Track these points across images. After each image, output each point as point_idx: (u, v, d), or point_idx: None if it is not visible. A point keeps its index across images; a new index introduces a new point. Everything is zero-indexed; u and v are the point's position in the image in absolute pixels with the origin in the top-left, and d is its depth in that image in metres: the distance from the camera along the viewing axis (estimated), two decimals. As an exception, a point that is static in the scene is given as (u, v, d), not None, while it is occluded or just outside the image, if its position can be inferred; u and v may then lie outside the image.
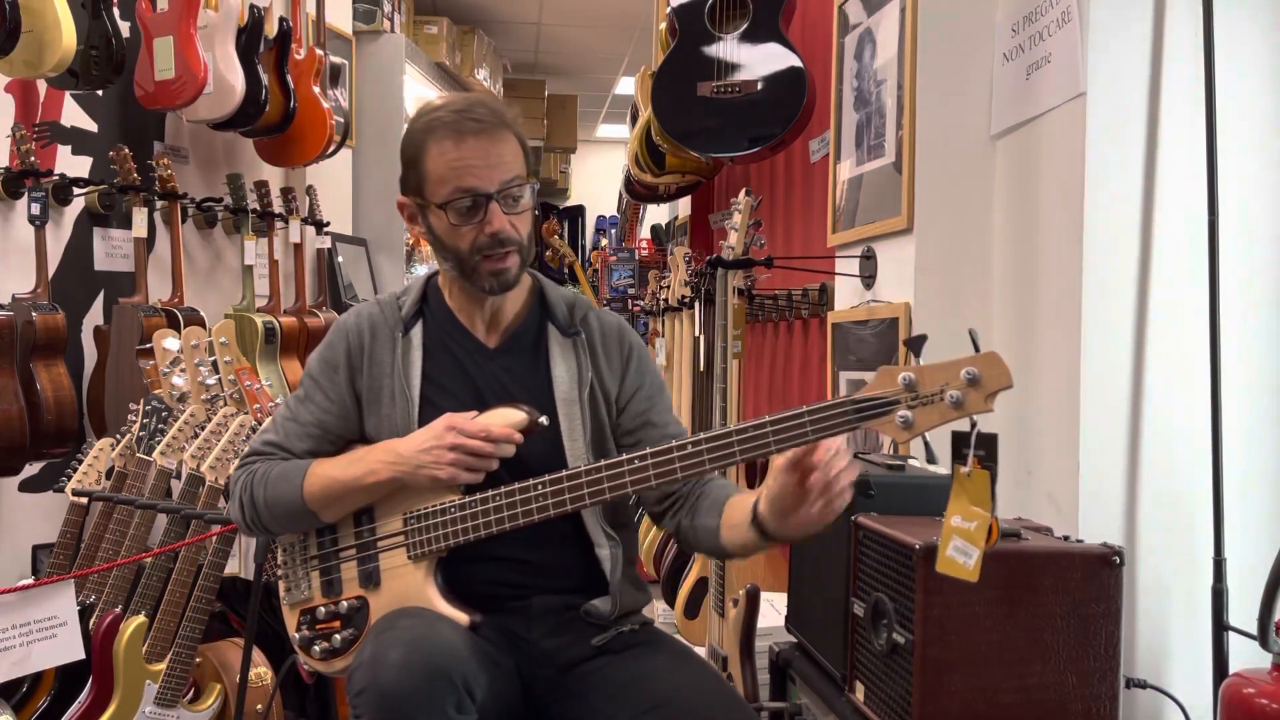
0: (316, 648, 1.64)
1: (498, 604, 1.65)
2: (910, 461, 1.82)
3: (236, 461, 2.32)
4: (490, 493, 1.56)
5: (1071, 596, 1.42)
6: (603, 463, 1.51)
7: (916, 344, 1.33)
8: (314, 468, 1.63)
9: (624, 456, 1.50)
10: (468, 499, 1.57)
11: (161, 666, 2.40)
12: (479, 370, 1.68)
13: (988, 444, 1.28)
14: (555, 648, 1.63)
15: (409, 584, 1.60)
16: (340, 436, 1.70)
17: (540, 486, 1.53)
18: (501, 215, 1.58)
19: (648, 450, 1.48)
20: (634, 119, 4.45)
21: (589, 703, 1.58)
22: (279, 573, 1.71)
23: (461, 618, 1.54)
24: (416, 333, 1.70)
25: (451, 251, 1.62)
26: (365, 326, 1.70)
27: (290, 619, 1.69)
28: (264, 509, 1.65)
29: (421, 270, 5.36)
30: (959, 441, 1.29)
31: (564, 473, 1.52)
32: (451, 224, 1.59)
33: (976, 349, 1.30)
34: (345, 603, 1.63)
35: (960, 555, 1.29)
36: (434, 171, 1.59)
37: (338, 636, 1.63)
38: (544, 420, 1.58)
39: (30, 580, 2.36)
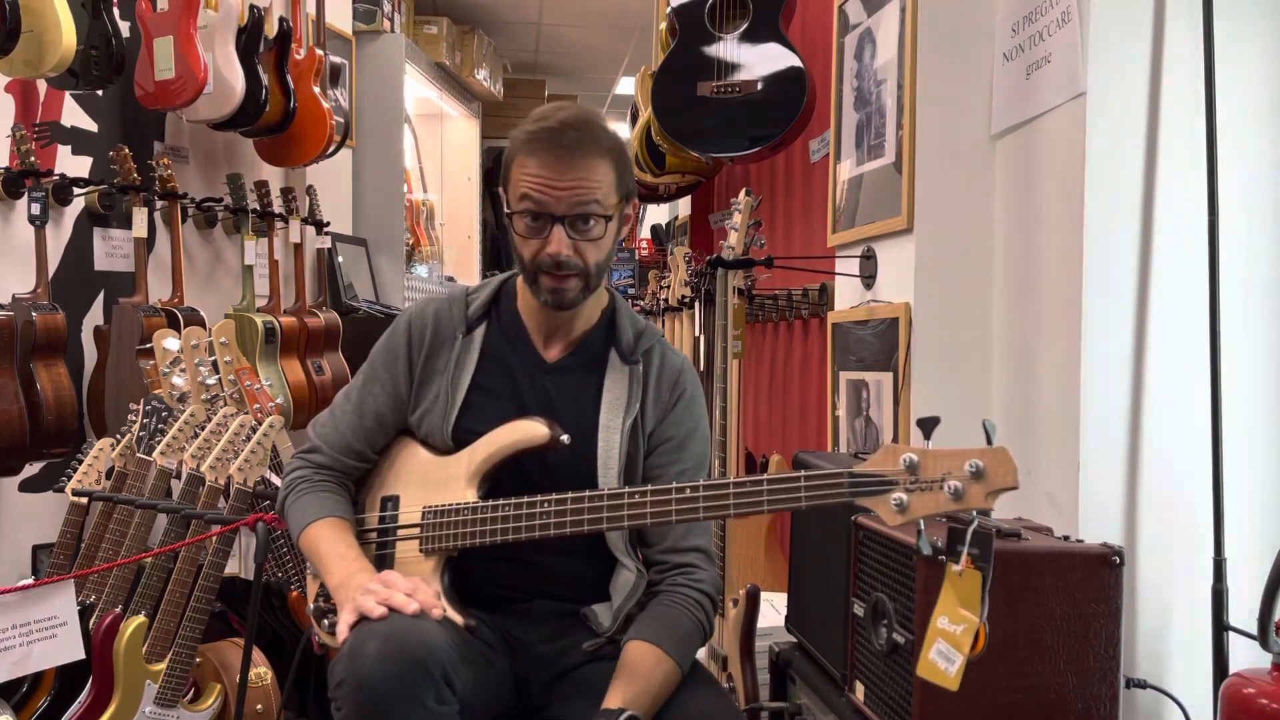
0: (326, 621, 1.66)
1: (500, 605, 1.65)
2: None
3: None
4: (503, 501, 1.56)
5: (1071, 596, 1.42)
6: (605, 492, 1.51)
7: (928, 425, 1.27)
8: (318, 526, 1.64)
9: (626, 490, 1.50)
10: (484, 503, 1.59)
11: (161, 666, 2.39)
12: (530, 382, 1.69)
13: (983, 544, 1.22)
14: (553, 653, 1.64)
15: (417, 576, 1.60)
16: (395, 426, 1.73)
17: (545, 504, 1.53)
18: (564, 239, 1.57)
19: (649, 488, 1.48)
20: (634, 119, 4.45)
21: (582, 708, 1.58)
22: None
23: (457, 618, 1.54)
24: (478, 334, 1.71)
25: (519, 256, 1.63)
26: (430, 320, 1.72)
27: (311, 589, 1.72)
28: (285, 516, 1.73)
29: (421, 270, 5.37)
30: (954, 538, 1.24)
31: (569, 495, 1.52)
32: (518, 234, 1.61)
33: (989, 441, 1.25)
34: None
35: (942, 660, 1.23)
36: (514, 179, 1.60)
37: None
38: (565, 439, 1.59)
39: (30, 580, 2.35)
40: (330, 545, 1.61)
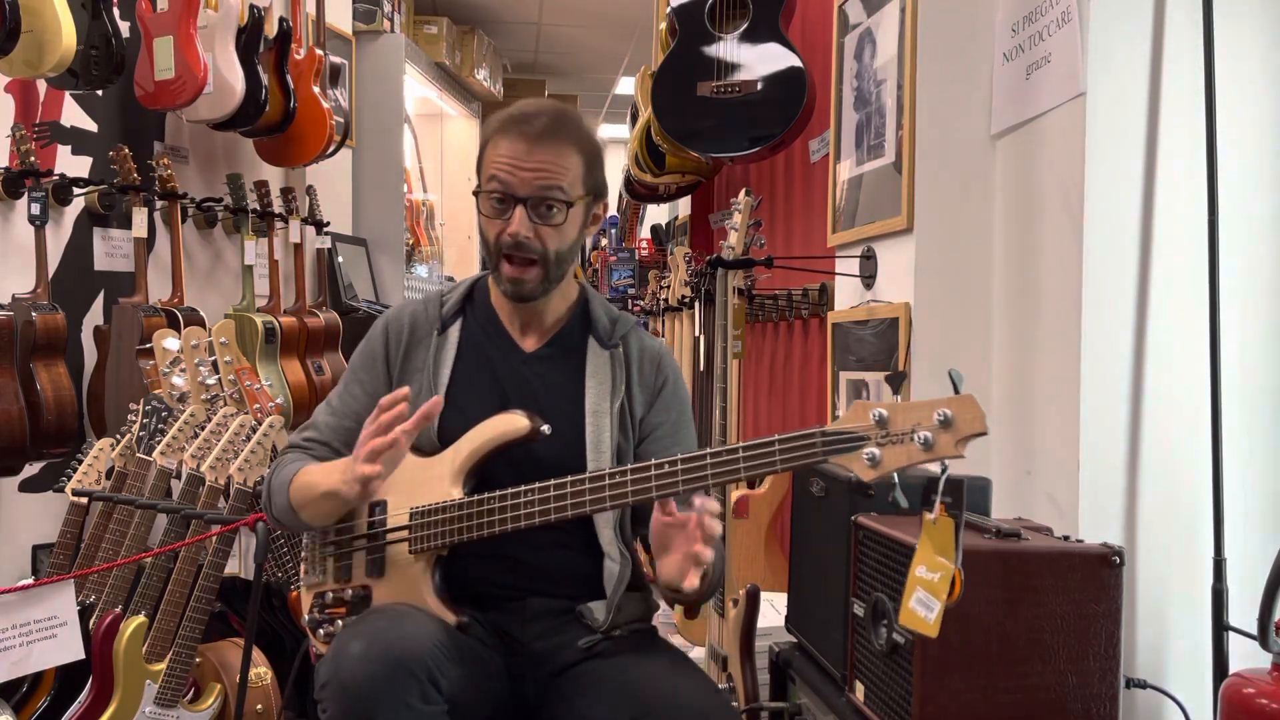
0: (322, 631, 1.66)
1: (495, 603, 1.65)
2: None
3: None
4: (486, 495, 1.57)
5: (1071, 596, 1.41)
6: (586, 475, 1.52)
7: (896, 380, 1.30)
8: (300, 474, 1.65)
9: (605, 471, 1.51)
10: (469, 499, 1.59)
11: (161, 666, 2.39)
12: (510, 374, 1.70)
13: (954, 490, 1.23)
14: (548, 650, 1.64)
15: (408, 578, 1.61)
16: None
17: (529, 494, 1.54)
18: (525, 220, 1.60)
19: (628, 467, 1.49)
20: (634, 119, 4.45)
21: (578, 706, 1.58)
22: (302, 554, 1.75)
23: (449, 617, 1.54)
24: (454, 331, 1.72)
25: (484, 241, 1.67)
26: (406, 321, 1.74)
27: (306, 599, 1.72)
28: (270, 499, 1.71)
29: (421, 270, 5.37)
30: (928, 487, 1.25)
31: (551, 482, 1.53)
32: (483, 214, 1.64)
33: (956, 390, 1.26)
34: (351, 590, 1.65)
35: (922, 608, 1.24)
36: (485, 160, 1.64)
37: (340, 622, 1.65)
38: (546, 429, 1.59)
39: (30, 580, 2.36)
40: (309, 473, 1.63)
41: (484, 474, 1.63)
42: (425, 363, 1.70)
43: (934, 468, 1.29)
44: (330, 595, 1.67)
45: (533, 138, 1.60)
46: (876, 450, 1.30)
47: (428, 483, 1.64)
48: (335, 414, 1.74)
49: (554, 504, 1.53)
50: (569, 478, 1.53)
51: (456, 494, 1.61)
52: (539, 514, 1.53)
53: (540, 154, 1.60)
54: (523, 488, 1.55)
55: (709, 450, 1.43)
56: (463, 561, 1.64)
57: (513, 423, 1.60)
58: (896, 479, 1.29)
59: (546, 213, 1.61)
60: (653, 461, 1.47)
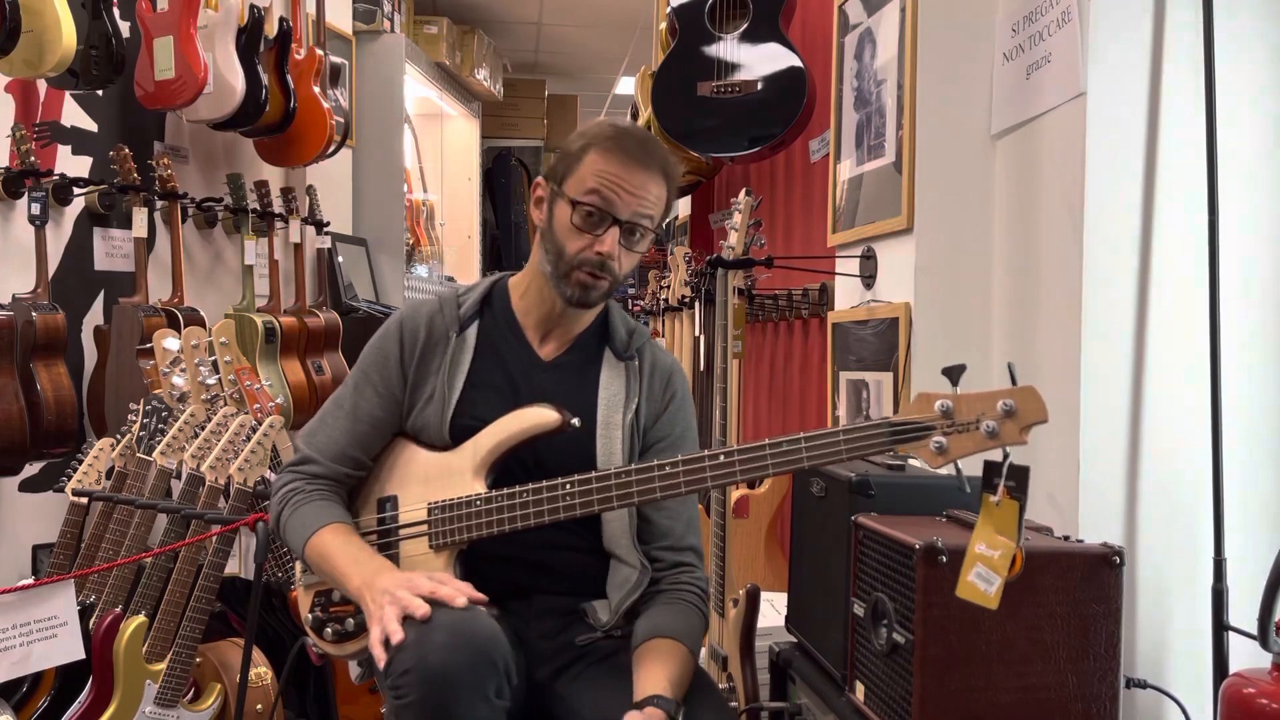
0: (329, 630, 1.65)
1: (501, 601, 1.65)
2: (910, 461, 1.82)
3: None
4: (518, 488, 1.56)
5: (1071, 596, 1.41)
6: (633, 467, 1.52)
7: (955, 373, 1.35)
8: (324, 533, 1.62)
9: (655, 462, 1.50)
10: (495, 493, 1.58)
11: (161, 666, 2.39)
12: (526, 380, 1.70)
13: (1019, 475, 1.29)
14: (552, 650, 1.64)
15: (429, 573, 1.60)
16: (390, 429, 1.72)
17: (569, 486, 1.53)
18: (616, 242, 1.62)
19: (679, 457, 1.49)
20: (634, 119, 4.45)
21: (576, 706, 1.59)
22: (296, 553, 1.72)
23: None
24: (471, 332, 1.72)
25: (556, 248, 1.65)
26: (422, 322, 1.72)
27: (304, 600, 1.70)
28: (282, 530, 1.69)
29: (421, 270, 5.37)
30: (990, 471, 1.31)
31: (593, 474, 1.53)
32: (572, 224, 1.63)
33: (1014, 382, 1.33)
34: None
35: (981, 582, 1.31)
36: (585, 170, 1.63)
37: (351, 621, 1.64)
38: (576, 422, 1.60)
39: (30, 580, 2.35)
40: (341, 550, 1.59)
41: (500, 471, 1.63)
42: (442, 365, 1.69)
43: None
44: (338, 594, 1.65)
45: (645, 163, 1.63)
46: (944, 439, 1.36)
47: (444, 477, 1.63)
48: (351, 417, 1.70)
49: (597, 495, 1.52)
50: (612, 469, 1.53)
51: (479, 488, 1.60)
52: (580, 506, 1.53)
53: (647, 181, 1.63)
54: (559, 480, 1.54)
55: (768, 441, 1.44)
56: (471, 559, 1.63)
57: (543, 415, 1.60)
58: (959, 465, 1.35)
59: (633, 239, 1.65)
60: (706, 452, 1.48)
